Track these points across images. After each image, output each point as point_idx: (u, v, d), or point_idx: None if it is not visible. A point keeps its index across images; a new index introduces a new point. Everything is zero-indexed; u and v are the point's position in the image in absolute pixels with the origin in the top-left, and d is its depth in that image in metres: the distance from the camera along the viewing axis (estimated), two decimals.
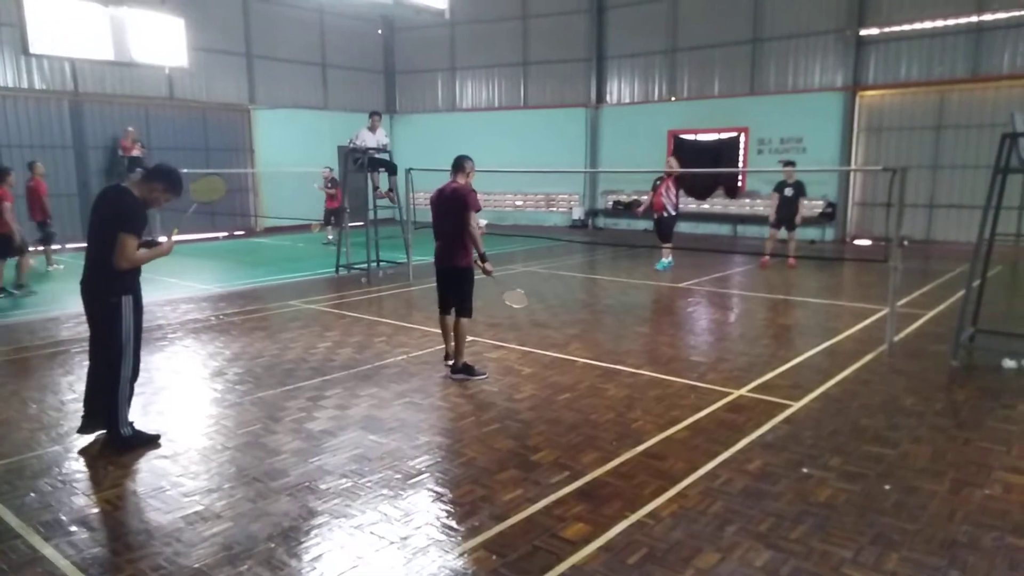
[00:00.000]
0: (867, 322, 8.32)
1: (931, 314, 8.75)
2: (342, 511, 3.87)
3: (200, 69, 17.87)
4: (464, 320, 6.28)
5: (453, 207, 6.18)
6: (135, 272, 4.71)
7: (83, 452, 4.73)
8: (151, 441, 4.83)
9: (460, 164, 6.34)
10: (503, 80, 21.79)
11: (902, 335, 7.60)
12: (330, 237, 16.31)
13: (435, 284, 6.49)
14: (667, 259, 12.57)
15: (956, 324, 6.65)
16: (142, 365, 5.08)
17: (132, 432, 4.79)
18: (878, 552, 3.44)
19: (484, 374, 6.32)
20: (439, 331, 6.52)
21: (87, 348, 4.97)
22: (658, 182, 12.41)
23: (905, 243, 9.79)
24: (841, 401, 5.64)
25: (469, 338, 6.64)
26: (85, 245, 4.76)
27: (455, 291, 6.30)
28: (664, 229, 12.49)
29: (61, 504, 3.98)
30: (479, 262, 6.28)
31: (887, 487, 4.13)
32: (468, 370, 6.29)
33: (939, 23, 15.53)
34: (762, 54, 17.79)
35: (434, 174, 11.70)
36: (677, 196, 12.43)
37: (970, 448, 4.70)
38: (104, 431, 4.83)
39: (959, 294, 7.15)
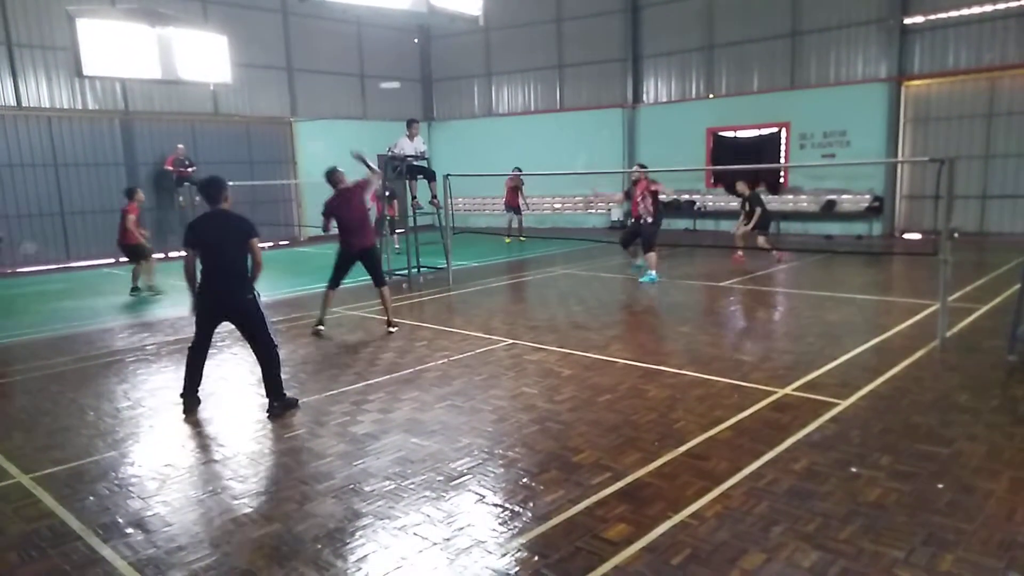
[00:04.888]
0: (918, 318, 8.08)
1: (985, 308, 8.46)
2: (386, 513, 3.93)
3: (243, 84, 18.29)
4: (384, 288, 8.35)
5: (356, 203, 8.53)
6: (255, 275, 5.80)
7: (138, 456, 4.91)
8: (295, 403, 5.80)
9: (330, 176, 8.91)
10: (539, 84, 21.79)
11: (955, 330, 7.36)
12: (396, 246, 15.88)
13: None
14: (642, 265, 11.52)
15: (1012, 318, 6.41)
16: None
17: (286, 396, 5.79)
18: (931, 553, 3.35)
19: (393, 327, 8.15)
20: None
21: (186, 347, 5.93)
22: (633, 186, 11.26)
23: (956, 235, 9.45)
24: (891, 399, 5.49)
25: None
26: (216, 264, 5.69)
27: (367, 266, 8.34)
28: (645, 236, 11.23)
29: (118, 507, 4.13)
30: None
31: (940, 486, 4.01)
32: (390, 325, 8.28)
33: (988, 8, 14.99)
34: (802, 47, 17.43)
35: (472, 179, 11.81)
36: (655, 204, 11.14)
37: None
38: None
39: (1015, 287, 6.88)
